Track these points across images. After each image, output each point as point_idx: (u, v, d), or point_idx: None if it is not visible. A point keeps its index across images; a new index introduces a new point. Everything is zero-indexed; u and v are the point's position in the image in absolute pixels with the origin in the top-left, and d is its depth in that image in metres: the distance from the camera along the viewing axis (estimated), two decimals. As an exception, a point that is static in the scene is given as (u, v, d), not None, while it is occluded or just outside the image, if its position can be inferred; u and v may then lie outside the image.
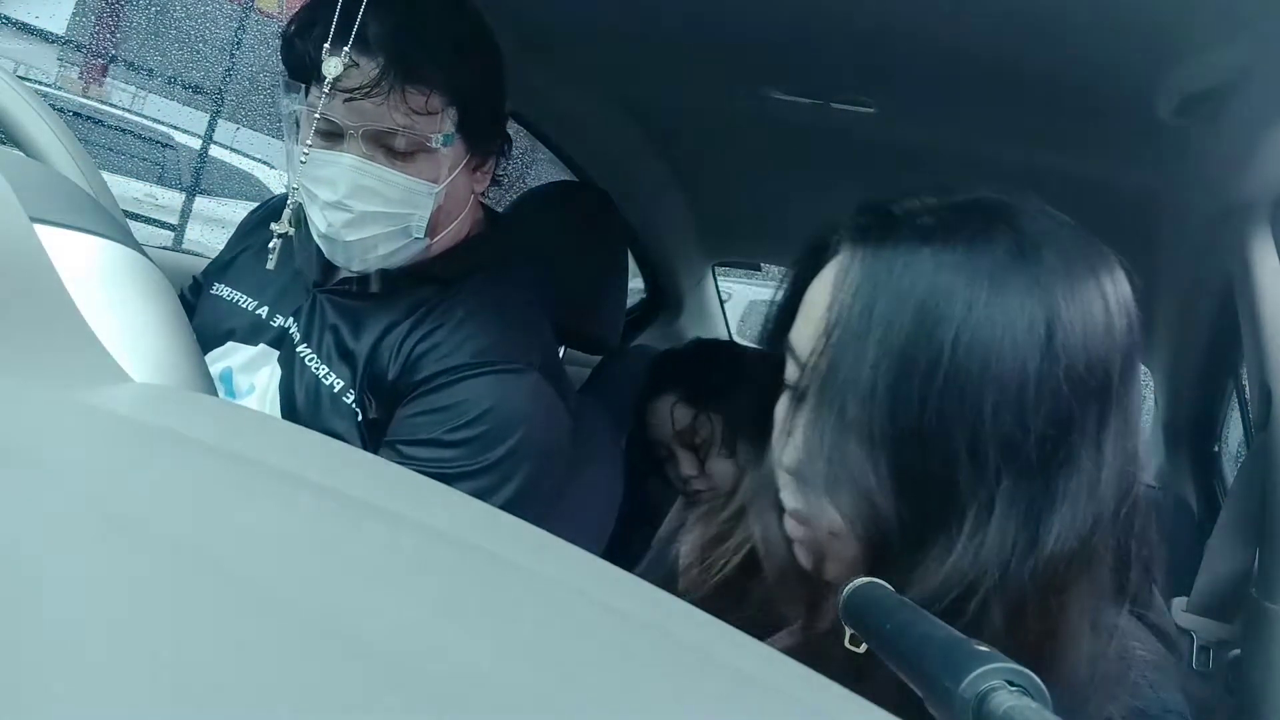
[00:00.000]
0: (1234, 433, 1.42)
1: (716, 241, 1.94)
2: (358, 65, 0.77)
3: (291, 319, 0.90)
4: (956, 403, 0.42)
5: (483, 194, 0.94)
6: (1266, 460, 0.80)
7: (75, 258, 0.37)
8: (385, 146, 0.81)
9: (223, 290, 0.95)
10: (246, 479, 0.27)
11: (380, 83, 0.78)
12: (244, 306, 0.93)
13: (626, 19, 1.08)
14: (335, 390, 0.86)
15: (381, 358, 0.85)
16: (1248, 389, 0.88)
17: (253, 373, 0.89)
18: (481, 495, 0.80)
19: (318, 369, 0.87)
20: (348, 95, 0.78)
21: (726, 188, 1.66)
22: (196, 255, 1.74)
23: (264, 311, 0.91)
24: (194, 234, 5.05)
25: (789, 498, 0.49)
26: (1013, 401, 0.42)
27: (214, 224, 5.22)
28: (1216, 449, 1.43)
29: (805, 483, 0.47)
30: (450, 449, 0.82)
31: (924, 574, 0.44)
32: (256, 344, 0.90)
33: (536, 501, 0.86)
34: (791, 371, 0.49)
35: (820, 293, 0.48)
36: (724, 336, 2.25)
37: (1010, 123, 1.02)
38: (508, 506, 0.75)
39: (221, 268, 0.99)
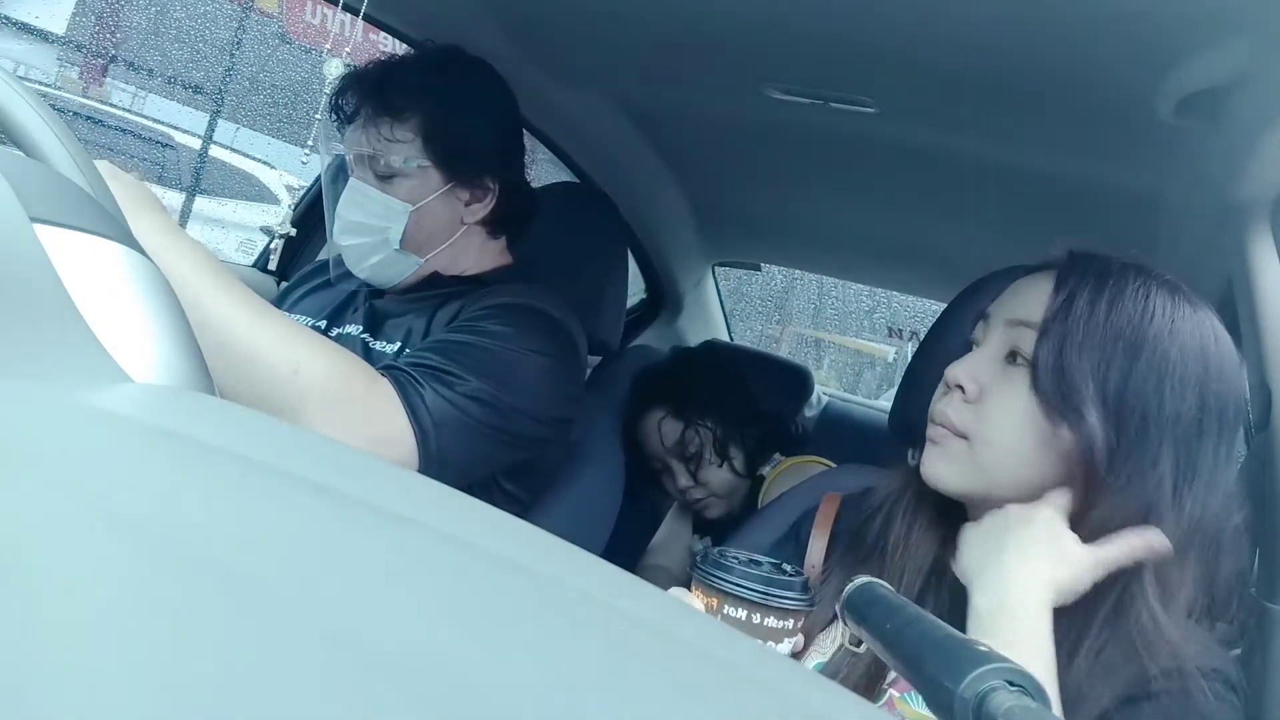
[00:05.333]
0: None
1: (716, 241, 1.94)
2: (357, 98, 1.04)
3: (350, 325, 1.10)
4: (1148, 382, 0.63)
5: (492, 231, 1.12)
6: (1266, 460, 0.80)
7: (75, 258, 0.37)
8: (372, 170, 1.03)
9: (292, 316, 1.14)
10: (247, 479, 0.27)
11: (358, 113, 1.03)
12: (305, 324, 1.11)
13: (626, 19, 1.08)
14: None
15: (437, 325, 1.03)
16: (1247, 389, 0.88)
17: None
18: (492, 373, 0.92)
19: (384, 349, 1.04)
20: (342, 128, 1.05)
21: (726, 188, 1.66)
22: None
23: (323, 324, 1.12)
24: (194, 234, 5.03)
25: (945, 403, 0.70)
26: (1179, 389, 0.63)
27: (214, 224, 5.22)
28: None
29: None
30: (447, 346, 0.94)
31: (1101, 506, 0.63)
32: None
33: (533, 398, 0.97)
34: (979, 329, 0.72)
35: (1046, 283, 0.68)
36: (724, 337, 2.25)
37: (1010, 122, 1.02)
38: (503, 391, 0.92)
39: (277, 302, 1.22)
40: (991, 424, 0.68)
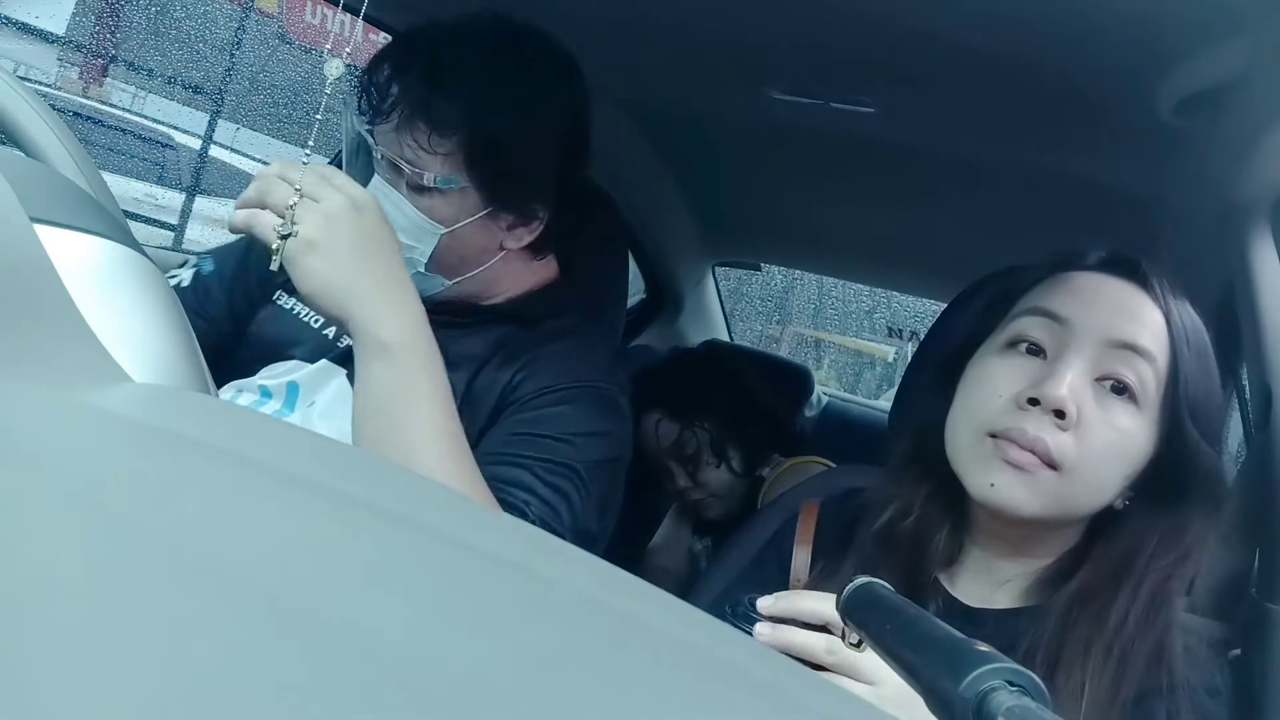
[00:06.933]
0: (1234, 432, 1.42)
1: (716, 241, 1.94)
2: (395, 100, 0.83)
3: None
4: (1208, 388, 0.66)
5: (535, 254, 0.96)
6: (1266, 460, 0.80)
7: (75, 258, 0.37)
8: (403, 179, 0.84)
9: (286, 301, 0.98)
10: (246, 479, 0.27)
11: (391, 112, 0.82)
12: (310, 323, 0.96)
13: (627, 20, 1.08)
14: None
15: (477, 395, 0.89)
16: (1247, 389, 0.88)
17: (317, 389, 0.91)
18: (564, 497, 0.83)
19: None
20: (373, 121, 0.84)
21: (726, 188, 1.66)
22: (196, 255, 1.73)
23: (330, 332, 0.94)
24: (194, 234, 5.05)
25: (1036, 426, 0.62)
26: (1220, 399, 0.68)
27: (214, 224, 5.23)
28: (1216, 448, 1.43)
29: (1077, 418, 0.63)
30: (537, 460, 0.84)
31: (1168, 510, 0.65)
32: (317, 360, 0.92)
33: (611, 508, 0.90)
34: (1042, 330, 0.66)
35: (1135, 299, 0.66)
36: (724, 337, 2.25)
37: (1010, 122, 1.02)
38: (586, 509, 0.84)
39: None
40: (1093, 460, 0.62)
